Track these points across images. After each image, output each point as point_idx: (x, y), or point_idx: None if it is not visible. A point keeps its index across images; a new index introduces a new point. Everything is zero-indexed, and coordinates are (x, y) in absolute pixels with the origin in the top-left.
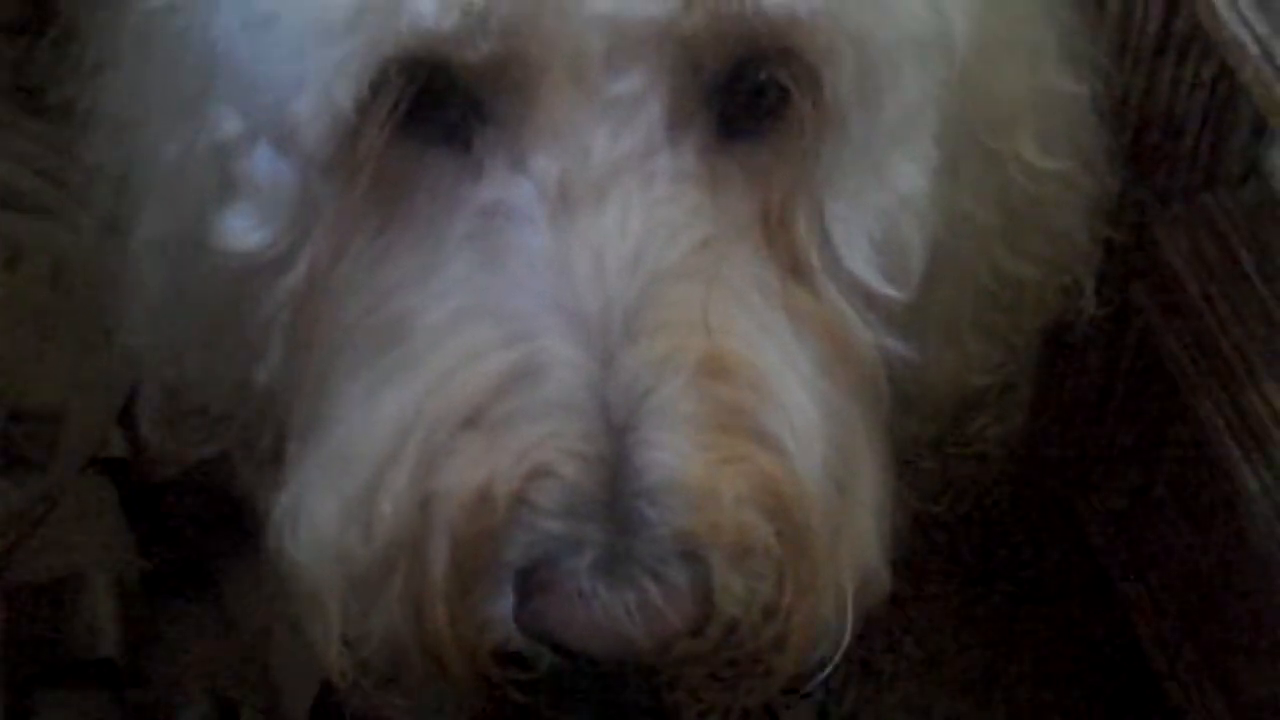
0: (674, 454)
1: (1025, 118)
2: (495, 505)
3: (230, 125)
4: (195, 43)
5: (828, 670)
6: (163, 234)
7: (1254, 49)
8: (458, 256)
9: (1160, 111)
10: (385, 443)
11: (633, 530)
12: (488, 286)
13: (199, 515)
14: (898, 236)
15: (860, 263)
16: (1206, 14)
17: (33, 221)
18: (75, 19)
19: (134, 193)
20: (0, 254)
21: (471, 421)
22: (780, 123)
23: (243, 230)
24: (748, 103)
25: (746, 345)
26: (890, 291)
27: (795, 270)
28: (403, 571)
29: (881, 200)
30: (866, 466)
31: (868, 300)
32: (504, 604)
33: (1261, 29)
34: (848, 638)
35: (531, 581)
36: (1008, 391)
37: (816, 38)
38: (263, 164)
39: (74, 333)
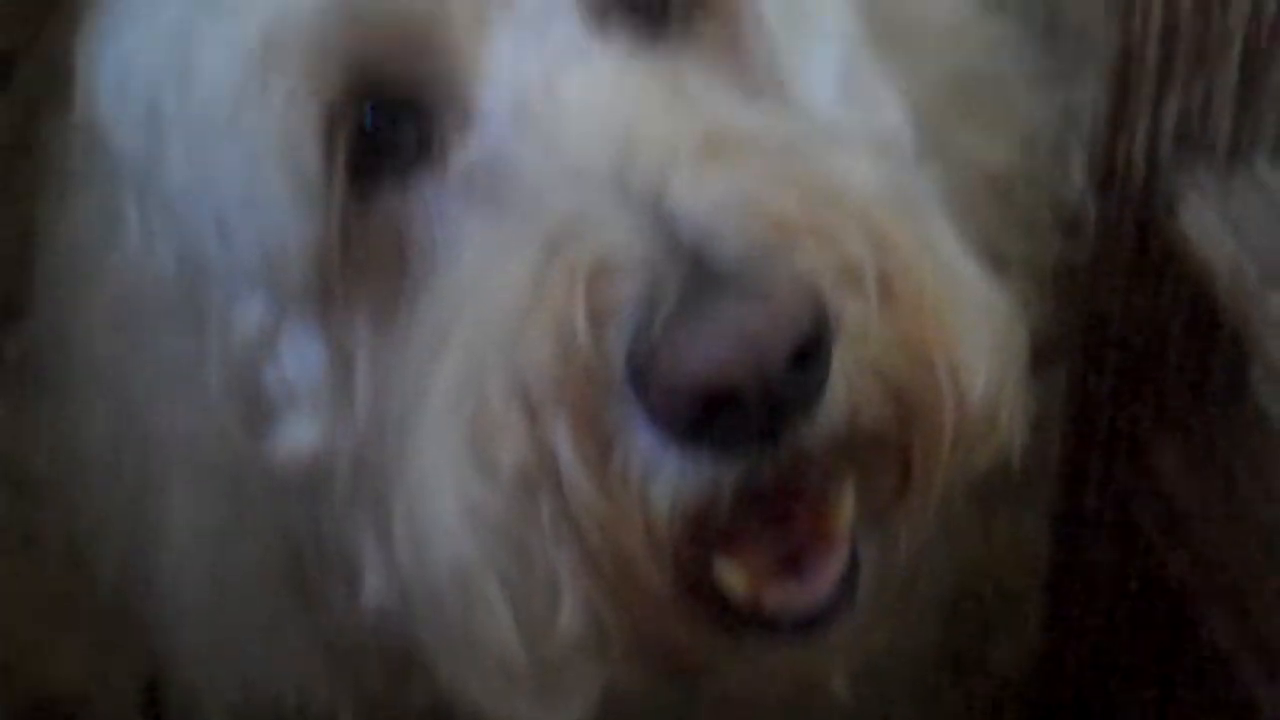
0: (713, 184)
1: None
2: (576, 332)
3: (246, 325)
4: (172, 280)
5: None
6: (194, 532)
7: (1225, 269)
8: (466, 234)
9: (1142, 335)
10: (468, 391)
11: (704, 255)
12: (498, 227)
13: None
14: (857, 72)
15: (824, 98)
16: (1179, 239)
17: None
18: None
19: (150, 502)
20: (16, 540)
21: (527, 305)
22: (700, 10)
23: (293, 435)
24: (661, 6)
25: (752, 122)
26: (868, 119)
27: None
28: (542, 484)
29: (828, 49)
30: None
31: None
32: (640, 428)
33: (1230, 249)
34: (1008, 411)
35: (642, 366)
36: (1020, 606)
37: None
38: (289, 355)
39: (93, 617)
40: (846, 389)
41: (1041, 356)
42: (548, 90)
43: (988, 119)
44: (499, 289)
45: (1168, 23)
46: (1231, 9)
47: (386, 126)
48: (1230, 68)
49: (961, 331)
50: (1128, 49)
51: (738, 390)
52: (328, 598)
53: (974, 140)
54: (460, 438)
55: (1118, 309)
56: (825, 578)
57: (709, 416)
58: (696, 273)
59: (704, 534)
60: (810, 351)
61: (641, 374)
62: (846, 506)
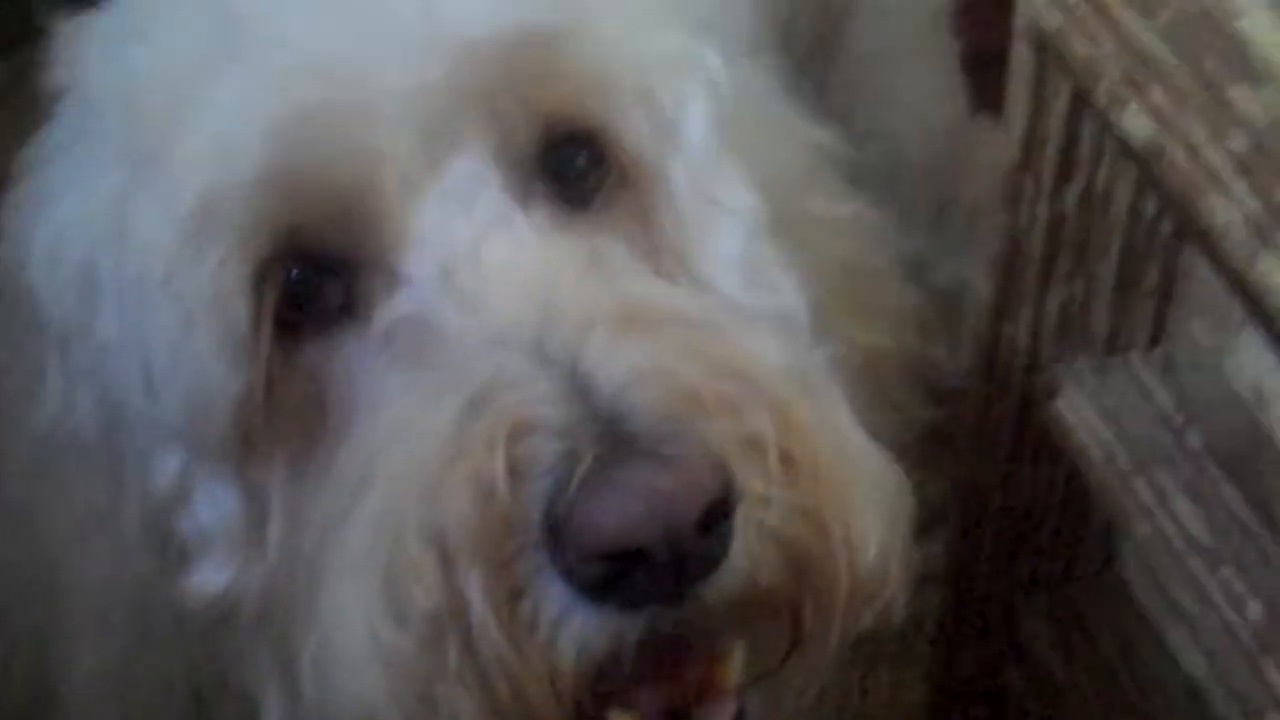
0: (626, 354)
1: (802, 171)
2: (496, 488)
3: (164, 475)
4: (91, 433)
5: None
6: (100, 667)
7: (1099, 455)
8: (388, 389)
9: (1019, 507)
10: (385, 537)
11: (620, 421)
12: (419, 383)
13: None
14: (759, 255)
15: (729, 280)
16: (1057, 422)
17: None
18: None
19: (64, 630)
20: None
21: (447, 459)
22: (614, 188)
23: (206, 580)
24: (578, 182)
25: (663, 298)
26: (765, 301)
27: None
28: (450, 634)
29: (728, 226)
30: (830, 397)
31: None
32: (551, 582)
33: (1105, 436)
34: (895, 574)
35: (557, 525)
36: None
37: (600, 102)
38: (202, 505)
39: None
40: (747, 553)
41: (922, 523)
42: (472, 256)
43: (866, 304)
44: (419, 441)
45: (1053, 217)
46: (1112, 208)
47: (313, 284)
48: (1110, 265)
49: (856, 502)
50: (1014, 239)
51: (647, 550)
52: None
53: (852, 323)
54: (374, 580)
55: (997, 482)
56: None
57: (618, 574)
58: (611, 437)
59: (603, 685)
60: (716, 517)
61: (557, 531)
62: (736, 661)
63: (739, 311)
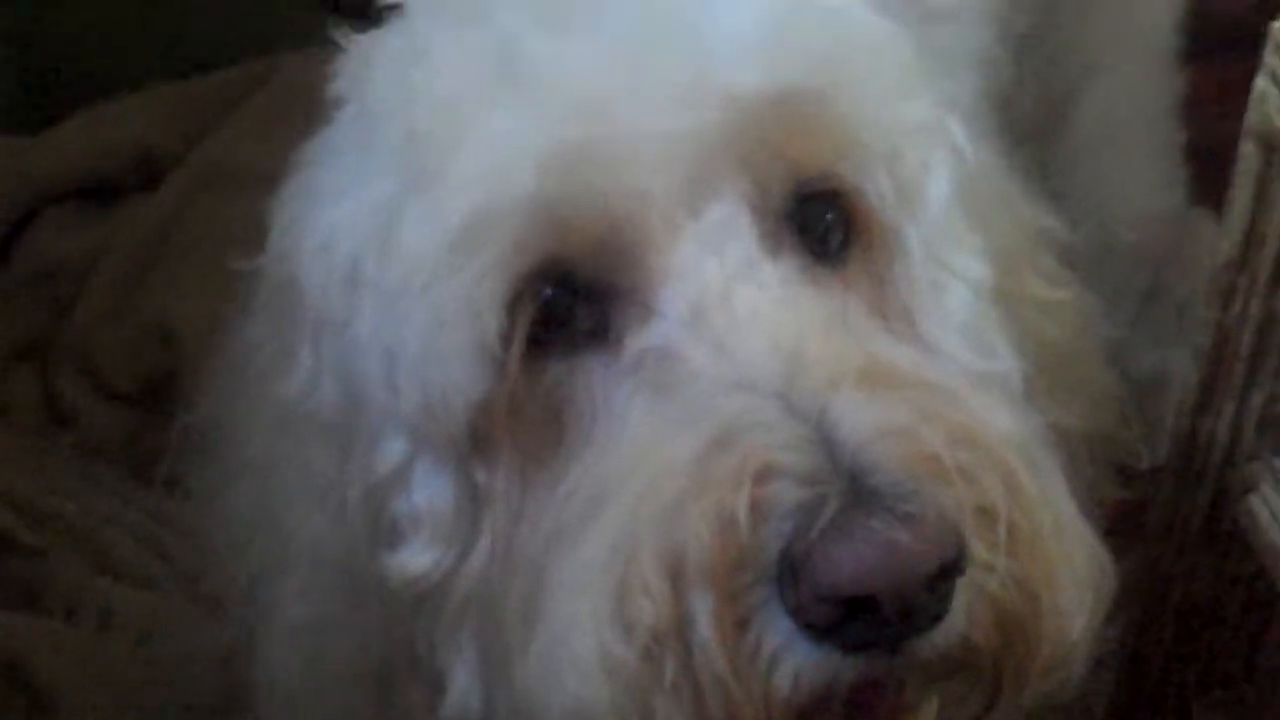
0: (871, 412)
1: (1021, 250)
2: (738, 523)
3: (388, 459)
4: (330, 411)
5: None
6: (301, 620)
7: None
8: (630, 414)
9: (1202, 601)
10: (620, 554)
11: (864, 475)
12: (663, 413)
13: None
14: (979, 319)
15: (954, 343)
16: (1248, 519)
17: (127, 589)
18: (195, 399)
19: (268, 586)
20: (92, 617)
21: (689, 489)
22: (854, 246)
23: (412, 558)
24: (822, 238)
25: (902, 359)
26: (987, 366)
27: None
28: (672, 650)
29: (957, 291)
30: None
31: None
32: (778, 616)
33: None
34: (1088, 637)
35: (794, 564)
36: None
37: (850, 162)
38: (419, 490)
39: (154, 705)
40: (966, 614)
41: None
42: (724, 297)
43: (1067, 384)
44: (662, 468)
45: (1264, 316)
46: None
47: (566, 306)
48: None
49: (1069, 578)
50: (1223, 335)
51: (877, 600)
52: (408, 704)
53: (1052, 402)
54: (607, 593)
55: (1182, 573)
56: None
57: (845, 618)
58: (854, 490)
59: (809, 718)
60: (945, 577)
61: (793, 570)
62: (930, 713)
63: (969, 376)
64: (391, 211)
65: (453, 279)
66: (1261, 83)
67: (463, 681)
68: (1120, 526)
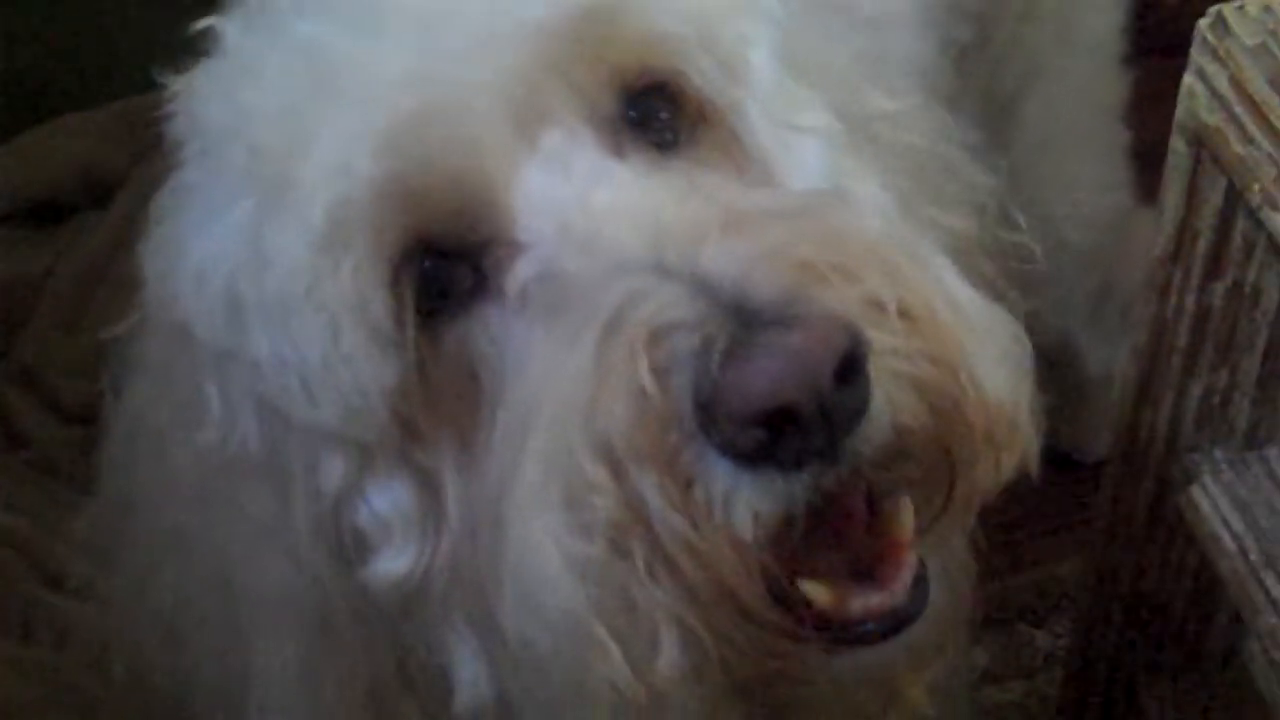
0: (740, 248)
1: (858, 73)
2: (646, 391)
3: (332, 476)
4: (255, 445)
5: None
6: (284, 664)
7: (1230, 545)
8: (532, 343)
9: (1148, 592)
10: (556, 466)
11: (745, 302)
12: (558, 329)
13: None
14: (838, 162)
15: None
16: (1191, 511)
17: (82, 606)
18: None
19: (244, 636)
20: (48, 634)
21: (597, 380)
22: (696, 130)
23: (390, 564)
24: (662, 131)
25: (763, 199)
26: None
27: None
28: (633, 534)
29: (806, 145)
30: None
31: None
32: (714, 461)
33: (1237, 527)
34: (1026, 421)
35: (708, 406)
36: None
37: (667, 55)
38: (376, 496)
39: None
40: (886, 399)
41: (1050, 603)
42: (581, 207)
43: (949, 193)
44: (572, 374)
45: (1200, 310)
46: (1261, 305)
47: (444, 271)
48: (1254, 359)
49: (974, 344)
50: (1160, 328)
51: (795, 407)
52: (406, 716)
53: (934, 209)
54: (556, 505)
55: (1127, 565)
56: (900, 582)
57: (774, 439)
58: (739, 318)
59: (785, 554)
60: (850, 368)
61: (708, 410)
62: (906, 516)
63: (835, 200)
64: (254, 229)
65: (331, 278)
66: (1189, 79)
67: (469, 669)
68: (1067, 522)
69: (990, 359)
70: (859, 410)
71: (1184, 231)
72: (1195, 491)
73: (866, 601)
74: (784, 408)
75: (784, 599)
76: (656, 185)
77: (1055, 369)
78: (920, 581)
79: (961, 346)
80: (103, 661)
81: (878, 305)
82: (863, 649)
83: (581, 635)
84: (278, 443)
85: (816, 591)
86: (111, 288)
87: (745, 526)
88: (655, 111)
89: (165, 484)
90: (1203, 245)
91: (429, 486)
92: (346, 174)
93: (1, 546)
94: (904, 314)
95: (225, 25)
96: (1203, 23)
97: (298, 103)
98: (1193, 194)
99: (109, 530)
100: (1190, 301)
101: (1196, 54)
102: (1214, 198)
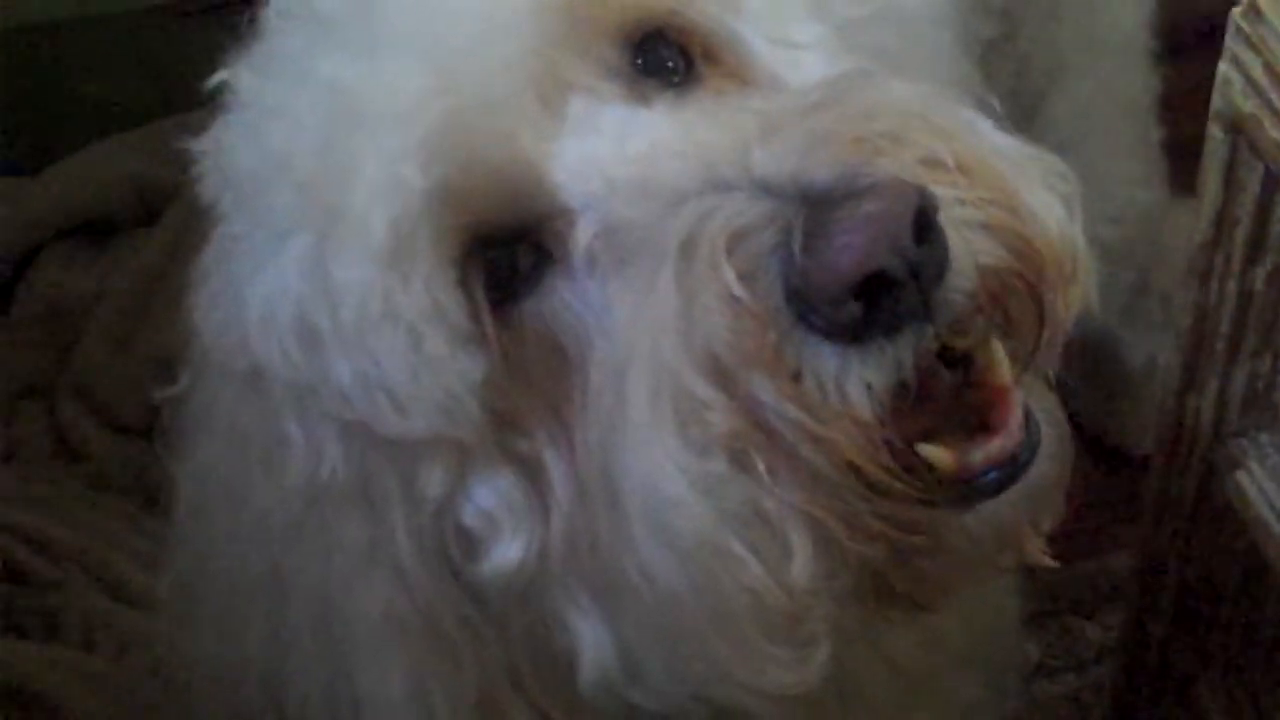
0: (787, 143)
1: None
2: (737, 296)
3: (433, 484)
4: (344, 473)
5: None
6: (397, 685)
7: (1278, 529)
8: (609, 294)
9: (1198, 580)
10: (663, 396)
11: (809, 189)
12: (632, 277)
13: None
14: (838, 66)
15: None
16: (1238, 496)
17: (141, 616)
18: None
19: (352, 665)
20: (110, 645)
21: (684, 303)
22: (704, 65)
23: (504, 556)
24: (674, 71)
25: (791, 99)
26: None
27: None
28: (752, 441)
29: (808, 58)
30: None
31: None
32: (818, 345)
33: None
34: (1084, 256)
35: (801, 293)
36: None
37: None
38: (481, 492)
39: None
40: (964, 246)
41: (1101, 595)
42: (621, 157)
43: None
44: (657, 306)
45: (1242, 295)
46: None
47: (506, 257)
48: None
49: (1025, 184)
50: (1203, 315)
51: (884, 271)
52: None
53: (951, 62)
54: (671, 430)
55: (1176, 553)
56: (1013, 423)
57: (870, 310)
58: (809, 204)
59: (902, 422)
60: (925, 224)
61: (802, 296)
62: (1004, 361)
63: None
64: (315, 261)
65: (401, 291)
66: (1224, 67)
67: (593, 640)
68: (1116, 515)
69: (1041, 195)
70: (942, 261)
71: (1223, 218)
72: (1241, 477)
73: (987, 450)
74: (874, 274)
75: (909, 468)
76: (685, 116)
77: (1099, 365)
78: (1030, 421)
79: (1015, 187)
80: (161, 669)
81: (935, 163)
82: (989, 500)
83: (716, 552)
84: (368, 465)
85: (937, 454)
86: (163, 303)
87: (862, 402)
88: (661, 56)
89: (248, 532)
90: (1242, 231)
91: (529, 469)
92: (398, 191)
93: (62, 560)
94: (961, 168)
95: (239, 77)
96: (1236, 11)
97: (334, 136)
98: (1231, 181)
99: (186, 589)
100: (1232, 287)
101: (1231, 42)
102: (1252, 184)
